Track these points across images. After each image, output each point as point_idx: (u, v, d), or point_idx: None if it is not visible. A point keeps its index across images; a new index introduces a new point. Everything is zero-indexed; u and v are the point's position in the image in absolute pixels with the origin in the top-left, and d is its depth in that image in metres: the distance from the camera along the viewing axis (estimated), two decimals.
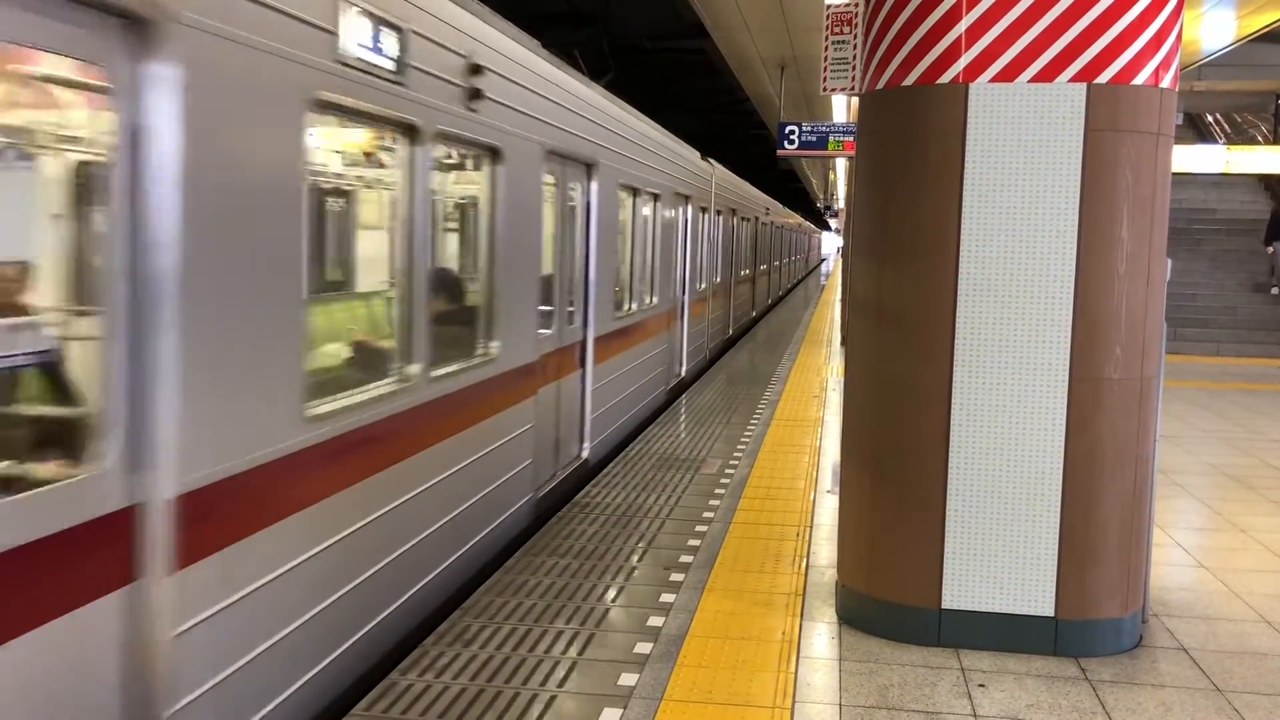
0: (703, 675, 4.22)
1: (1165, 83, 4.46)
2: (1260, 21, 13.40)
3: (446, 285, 5.64)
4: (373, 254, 5.05)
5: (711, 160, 15.64)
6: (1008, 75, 4.41)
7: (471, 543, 5.63)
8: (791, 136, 15.82)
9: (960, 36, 4.43)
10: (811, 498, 7.12)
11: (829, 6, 11.71)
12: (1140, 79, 4.38)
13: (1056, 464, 4.50)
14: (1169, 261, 4.65)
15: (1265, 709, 4.07)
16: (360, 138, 4.84)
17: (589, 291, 8.14)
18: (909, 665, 4.39)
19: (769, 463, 8.21)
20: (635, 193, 9.79)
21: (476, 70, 5.36)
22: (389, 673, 4.24)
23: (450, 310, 5.59)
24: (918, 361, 4.61)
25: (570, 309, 7.77)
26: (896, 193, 4.65)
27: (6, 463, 2.86)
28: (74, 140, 3.12)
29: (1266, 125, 27.19)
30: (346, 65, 4.02)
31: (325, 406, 3.96)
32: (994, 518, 4.56)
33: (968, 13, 4.40)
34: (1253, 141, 26.50)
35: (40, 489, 2.70)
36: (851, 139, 15.54)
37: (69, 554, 2.77)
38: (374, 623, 4.47)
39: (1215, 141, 26.91)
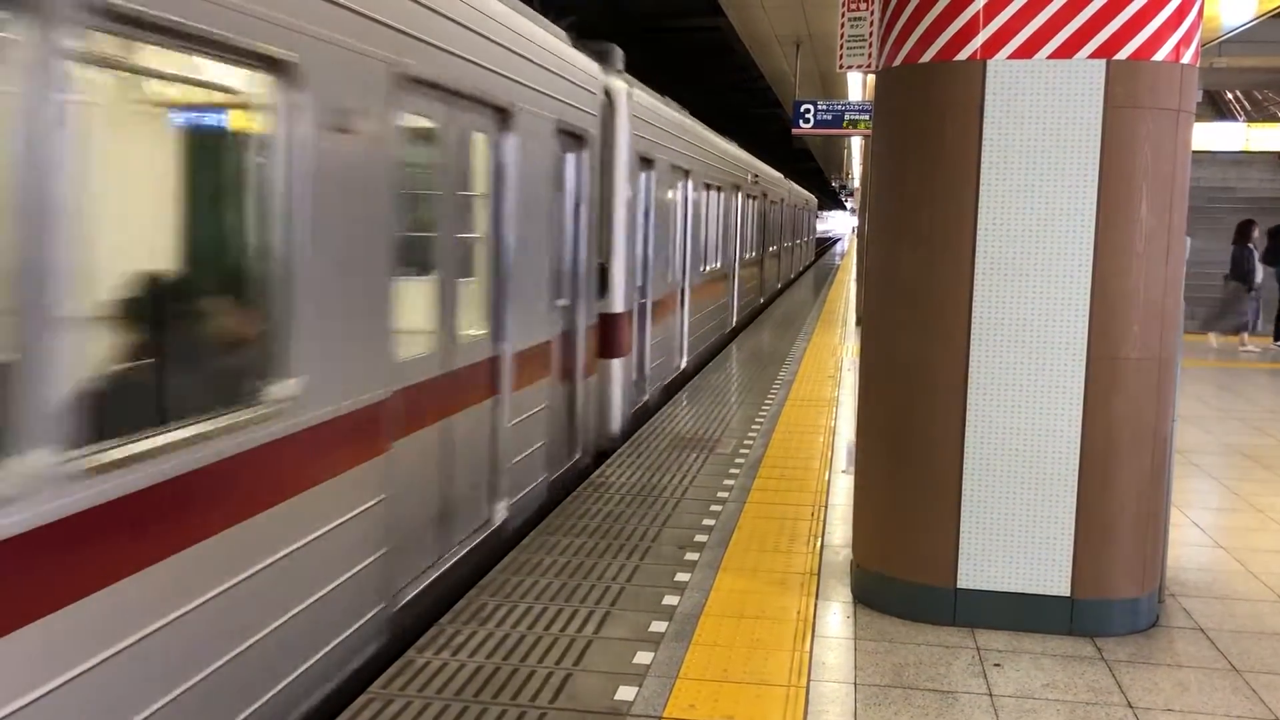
0: (718, 654, 4.23)
1: (1186, 59, 4.40)
2: None
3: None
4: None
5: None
6: (1026, 52, 4.36)
7: (656, 386, 10.30)
8: (807, 115, 15.73)
9: (978, 12, 4.38)
10: (826, 477, 7.12)
11: None
12: (1161, 55, 4.33)
13: (1074, 443, 4.48)
14: (1188, 240, 4.61)
15: None
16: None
17: (688, 254, 12.23)
18: (924, 644, 4.39)
19: (784, 442, 8.21)
20: (709, 186, 13.67)
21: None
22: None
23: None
24: (934, 340, 4.59)
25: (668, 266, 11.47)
26: (913, 171, 4.62)
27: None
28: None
29: None
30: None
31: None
32: (1010, 497, 4.55)
33: None
34: (1273, 119, 26.19)
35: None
36: (867, 118, 15.45)
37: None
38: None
39: (1235, 119, 26.64)
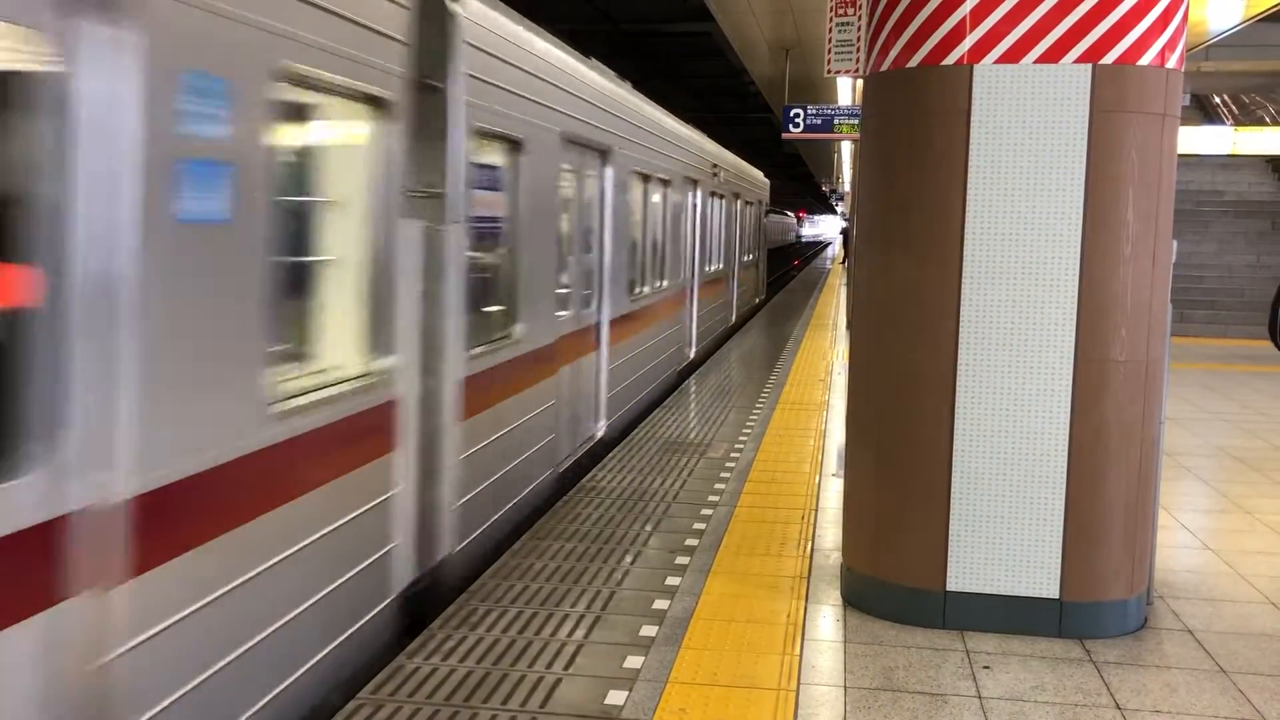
0: (708, 658, 4.23)
1: (1171, 63, 4.43)
2: (1268, 1, 13.30)
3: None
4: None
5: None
6: (1013, 56, 4.39)
7: (712, 333, 15.42)
8: (797, 120, 15.78)
9: (965, 17, 4.41)
10: (816, 481, 7.13)
11: None
12: (1146, 60, 4.36)
13: (1062, 446, 4.50)
14: (1174, 243, 4.64)
15: (1270, 690, 4.07)
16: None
17: (735, 247, 17.85)
18: (914, 647, 4.40)
19: (774, 446, 8.22)
20: (752, 203, 20.01)
21: (716, 167, 15.59)
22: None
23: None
24: (922, 344, 4.60)
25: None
26: (901, 175, 4.64)
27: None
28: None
29: (1274, 106, 27.04)
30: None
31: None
32: (999, 500, 4.56)
33: None
34: (1260, 123, 26.33)
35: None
36: (857, 122, 15.50)
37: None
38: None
39: (1222, 123, 26.77)
